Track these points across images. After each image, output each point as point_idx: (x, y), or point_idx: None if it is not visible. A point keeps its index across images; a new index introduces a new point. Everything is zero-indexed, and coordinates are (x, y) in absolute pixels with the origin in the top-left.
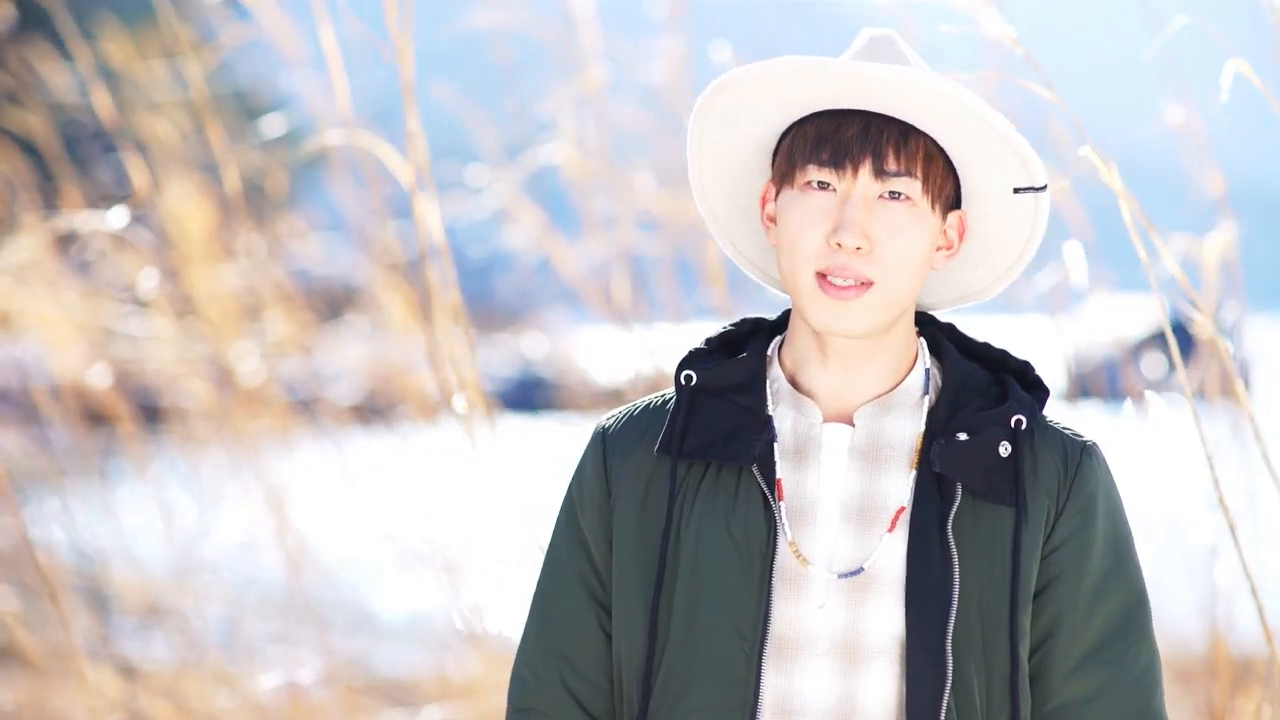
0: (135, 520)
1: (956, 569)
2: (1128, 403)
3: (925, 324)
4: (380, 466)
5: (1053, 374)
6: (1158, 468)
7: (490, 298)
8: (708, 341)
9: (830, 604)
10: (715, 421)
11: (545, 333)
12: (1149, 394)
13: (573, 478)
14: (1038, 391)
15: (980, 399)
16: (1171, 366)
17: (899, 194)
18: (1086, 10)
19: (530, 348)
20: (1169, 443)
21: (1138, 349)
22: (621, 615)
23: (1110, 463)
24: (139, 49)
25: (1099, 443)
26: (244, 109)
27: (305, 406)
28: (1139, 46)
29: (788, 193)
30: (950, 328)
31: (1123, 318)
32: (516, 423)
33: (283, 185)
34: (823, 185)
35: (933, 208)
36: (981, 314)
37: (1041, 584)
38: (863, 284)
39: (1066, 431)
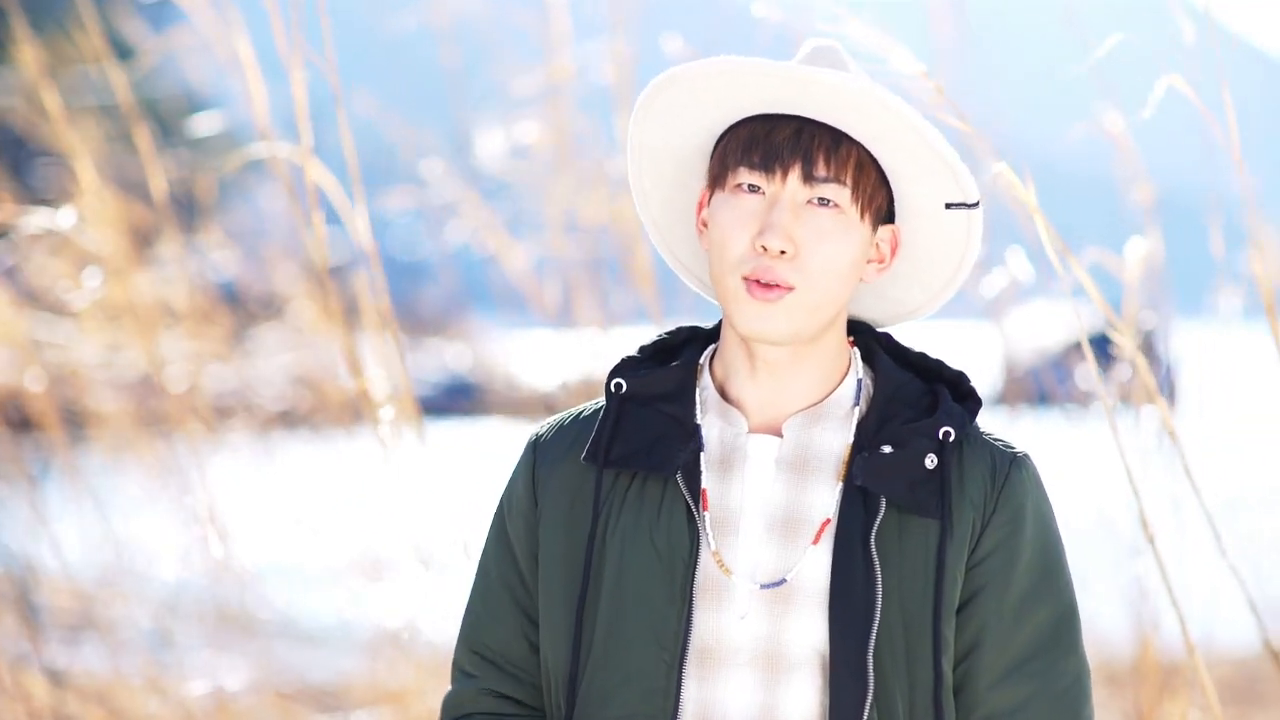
0: (63, 527)
1: (879, 582)
2: (1055, 409)
3: (860, 333)
4: (307, 472)
5: (987, 380)
6: (1084, 473)
7: (418, 303)
8: (641, 349)
9: (752, 615)
10: (642, 430)
11: (473, 338)
12: (1073, 401)
13: (505, 487)
14: (970, 403)
15: (911, 410)
16: (1099, 372)
17: (827, 200)
18: (1023, 21)
19: (458, 353)
20: (1094, 448)
21: (1065, 355)
22: (548, 624)
23: (1041, 474)
24: (68, 53)
25: (1030, 454)
26: (173, 114)
27: (231, 413)
28: (1073, 57)
29: (719, 195)
30: (886, 337)
31: (1052, 324)
32: (445, 428)
33: (210, 191)
34: (753, 188)
35: (862, 217)
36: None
37: (967, 595)
38: (787, 287)
39: (997, 443)
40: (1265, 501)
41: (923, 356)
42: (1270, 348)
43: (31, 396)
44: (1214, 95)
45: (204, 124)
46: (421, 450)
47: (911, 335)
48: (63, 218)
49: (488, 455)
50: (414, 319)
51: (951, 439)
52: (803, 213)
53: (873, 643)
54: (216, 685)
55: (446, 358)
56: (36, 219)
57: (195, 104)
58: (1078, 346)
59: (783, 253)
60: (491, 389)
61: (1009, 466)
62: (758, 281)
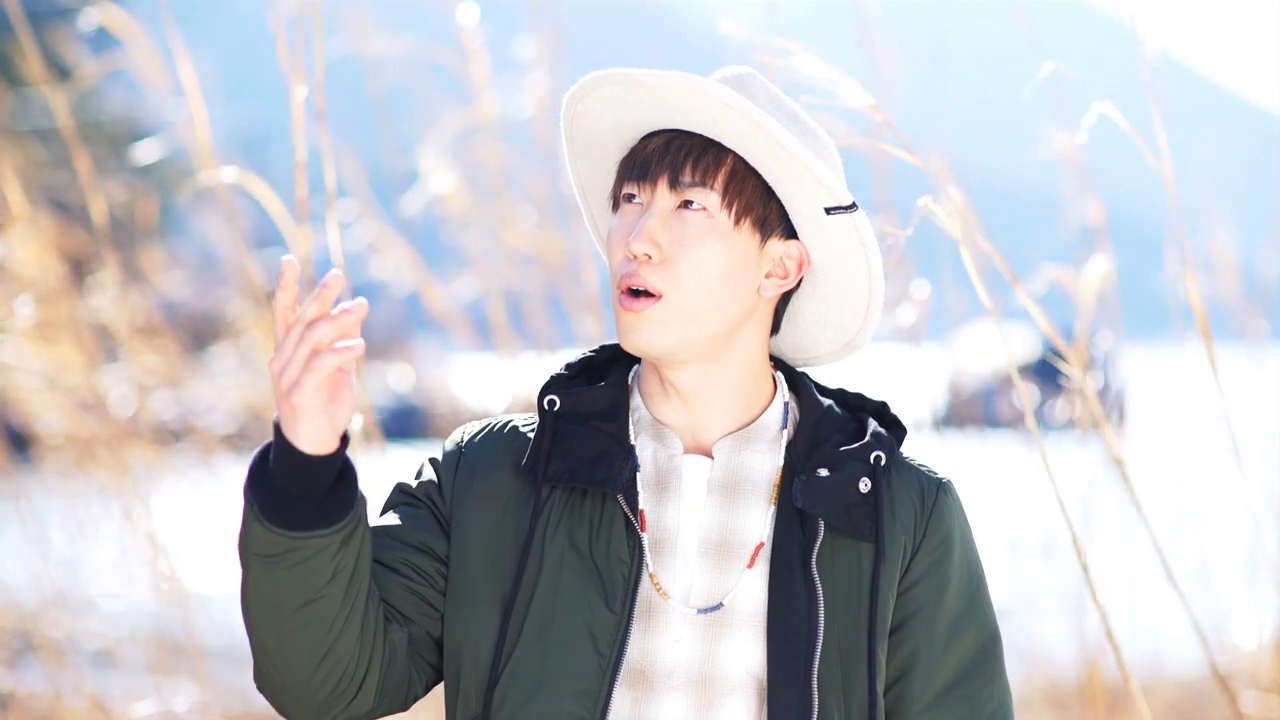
0: (8, 548)
1: (821, 605)
2: (1003, 431)
3: (780, 368)
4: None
5: (933, 402)
6: (1032, 495)
7: (363, 327)
8: (568, 367)
9: (686, 638)
10: (580, 447)
11: (415, 362)
12: (1018, 424)
13: (421, 465)
14: (895, 430)
15: (839, 435)
16: (1045, 396)
17: (693, 204)
18: (986, 46)
19: (401, 378)
20: (1042, 471)
21: (1011, 379)
22: (463, 618)
23: (963, 500)
24: (9, 76)
25: (953, 480)
26: (116, 139)
27: (177, 437)
28: (1020, 81)
29: (615, 214)
30: (804, 375)
31: (998, 347)
32: (391, 452)
33: (151, 215)
34: (630, 199)
35: (736, 223)
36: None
37: (898, 620)
38: (654, 296)
39: (923, 469)
40: (1210, 524)
41: (842, 392)
42: (1209, 371)
43: None
44: (1177, 131)
45: (146, 150)
46: (378, 472)
47: (859, 361)
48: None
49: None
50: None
51: (883, 463)
52: (671, 219)
53: (816, 666)
54: (162, 708)
55: (390, 382)
56: None
57: (137, 130)
58: (1028, 368)
59: (649, 257)
60: (435, 412)
61: (936, 492)
62: (627, 292)
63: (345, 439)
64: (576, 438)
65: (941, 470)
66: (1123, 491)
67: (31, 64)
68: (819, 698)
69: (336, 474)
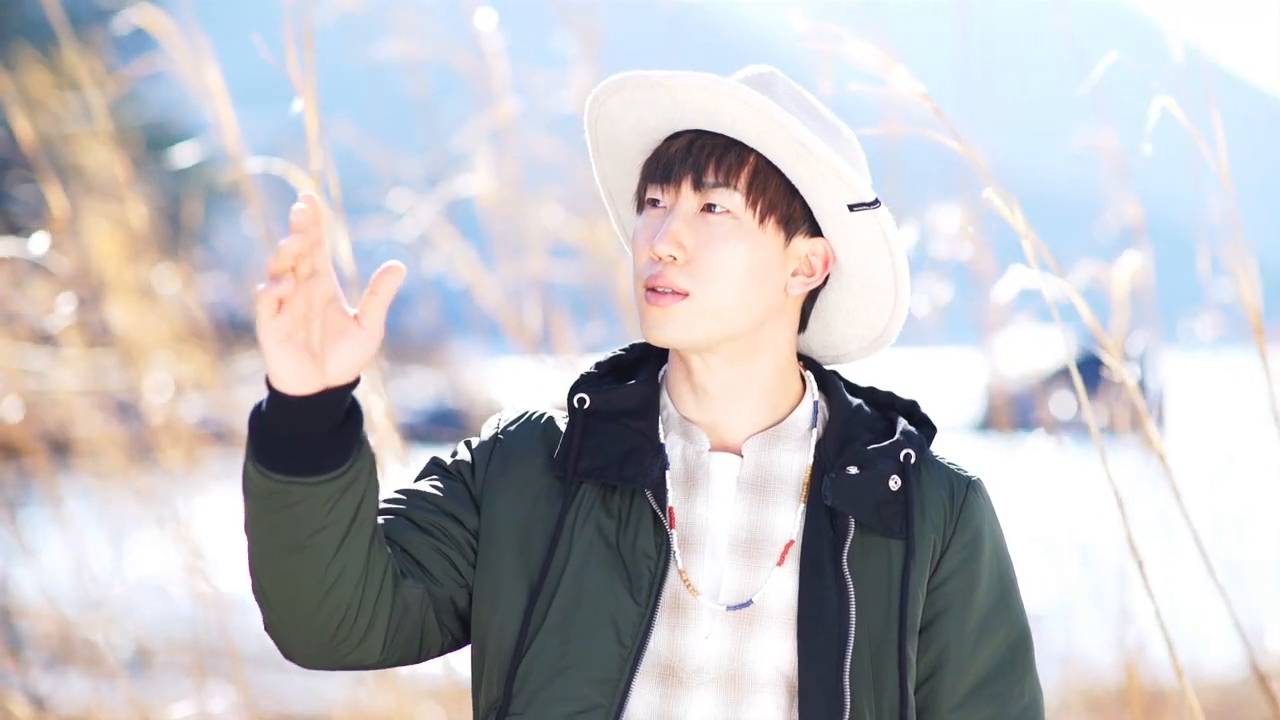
0: (47, 553)
1: (853, 603)
2: (1040, 434)
3: (810, 366)
4: None
5: (972, 406)
6: (1070, 498)
7: (404, 330)
8: (598, 365)
9: (716, 635)
10: (611, 444)
11: (456, 366)
12: (1058, 427)
13: (463, 443)
14: (925, 428)
15: (868, 434)
16: (1086, 396)
17: (717, 206)
18: (1021, 46)
19: (441, 381)
20: (1077, 474)
21: (1052, 381)
22: (490, 597)
23: (993, 498)
24: (53, 78)
25: (983, 479)
26: (157, 139)
27: (218, 439)
28: (1068, 81)
29: (640, 216)
30: (834, 374)
31: (1039, 349)
32: (431, 455)
33: (196, 216)
34: (654, 203)
35: (761, 223)
36: (900, 345)
37: (928, 618)
38: (681, 294)
39: (952, 466)
40: (1248, 526)
41: (872, 389)
42: (1255, 372)
43: (12, 423)
44: (1203, 124)
45: (184, 152)
46: (406, 476)
47: (895, 359)
48: (35, 244)
49: None
50: (398, 347)
51: (913, 461)
52: (695, 220)
53: (848, 664)
54: (200, 711)
55: (430, 385)
56: (32, 242)
57: (175, 132)
58: (1063, 372)
59: (674, 259)
60: (475, 416)
61: (966, 490)
62: (653, 289)
63: (351, 385)
64: (607, 435)
65: (971, 469)
66: (1162, 490)
67: (72, 67)
68: (851, 697)
69: (339, 421)
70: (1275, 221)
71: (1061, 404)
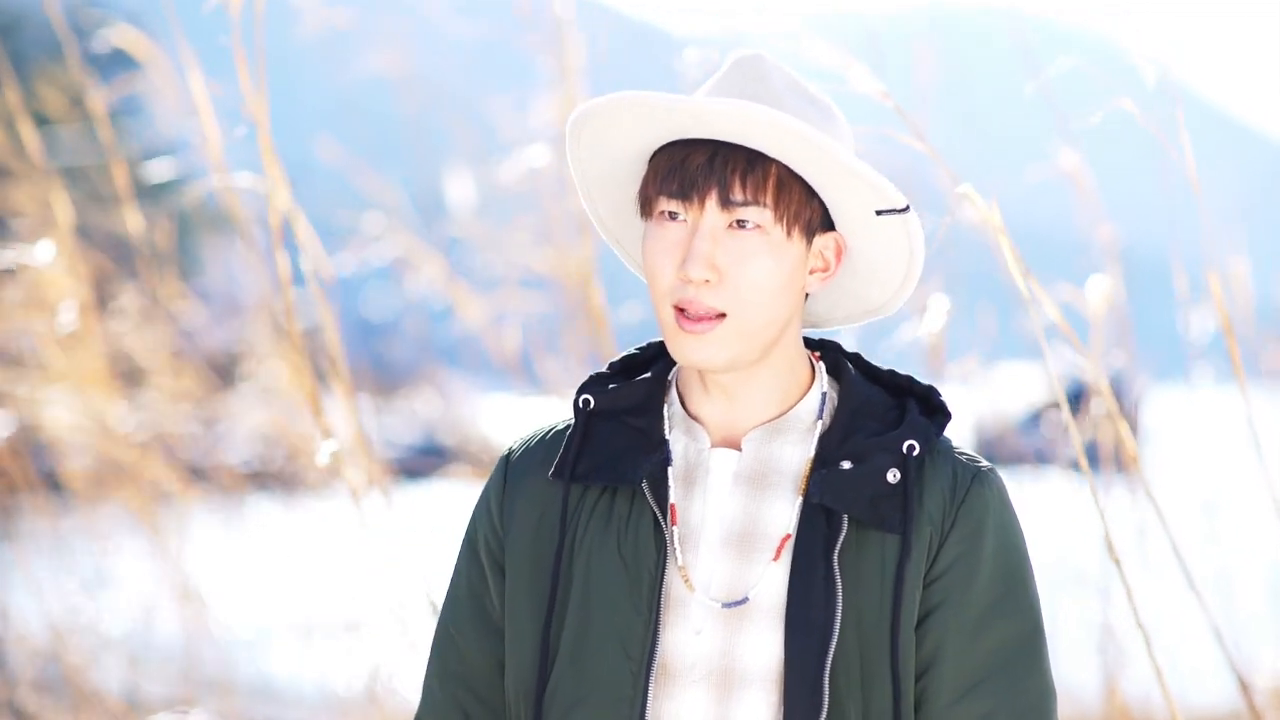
0: (34, 583)
1: (839, 600)
2: (1025, 469)
3: (829, 350)
4: (279, 531)
5: (962, 438)
6: (1056, 526)
7: (389, 363)
8: (611, 365)
9: (707, 631)
10: (608, 444)
11: (443, 399)
12: (1041, 460)
13: (477, 502)
14: (940, 416)
15: (876, 423)
16: (1071, 423)
17: (748, 223)
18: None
19: (428, 414)
20: (1067, 503)
21: (1040, 414)
22: (514, 637)
23: (1006, 490)
24: (25, 102)
25: (995, 470)
26: (132, 163)
27: (202, 472)
28: (1037, 110)
29: (647, 224)
30: (855, 356)
31: (1021, 387)
32: (418, 488)
33: (170, 240)
34: (673, 216)
35: (789, 234)
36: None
37: (924, 611)
38: (717, 316)
39: (962, 457)
40: (1235, 556)
41: (892, 373)
42: (1236, 402)
43: (2, 453)
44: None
45: (158, 169)
46: (391, 511)
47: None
48: (40, 252)
49: (459, 514)
50: (385, 379)
51: (915, 452)
52: (724, 237)
53: (830, 660)
54: None
55: (417, 418)
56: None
57: (155, 152)
58: (1048, 408)
59: (707, 281)
60: (463, 449)
61: (970, 482)
62: (685, 314)
63: None
64: (605, 434)
65: (984, 460)
66: (1148, 521)
67: (52, 96)
68: (833, 693)
69: None
70: (1267, 252)
71: (1052, 433)
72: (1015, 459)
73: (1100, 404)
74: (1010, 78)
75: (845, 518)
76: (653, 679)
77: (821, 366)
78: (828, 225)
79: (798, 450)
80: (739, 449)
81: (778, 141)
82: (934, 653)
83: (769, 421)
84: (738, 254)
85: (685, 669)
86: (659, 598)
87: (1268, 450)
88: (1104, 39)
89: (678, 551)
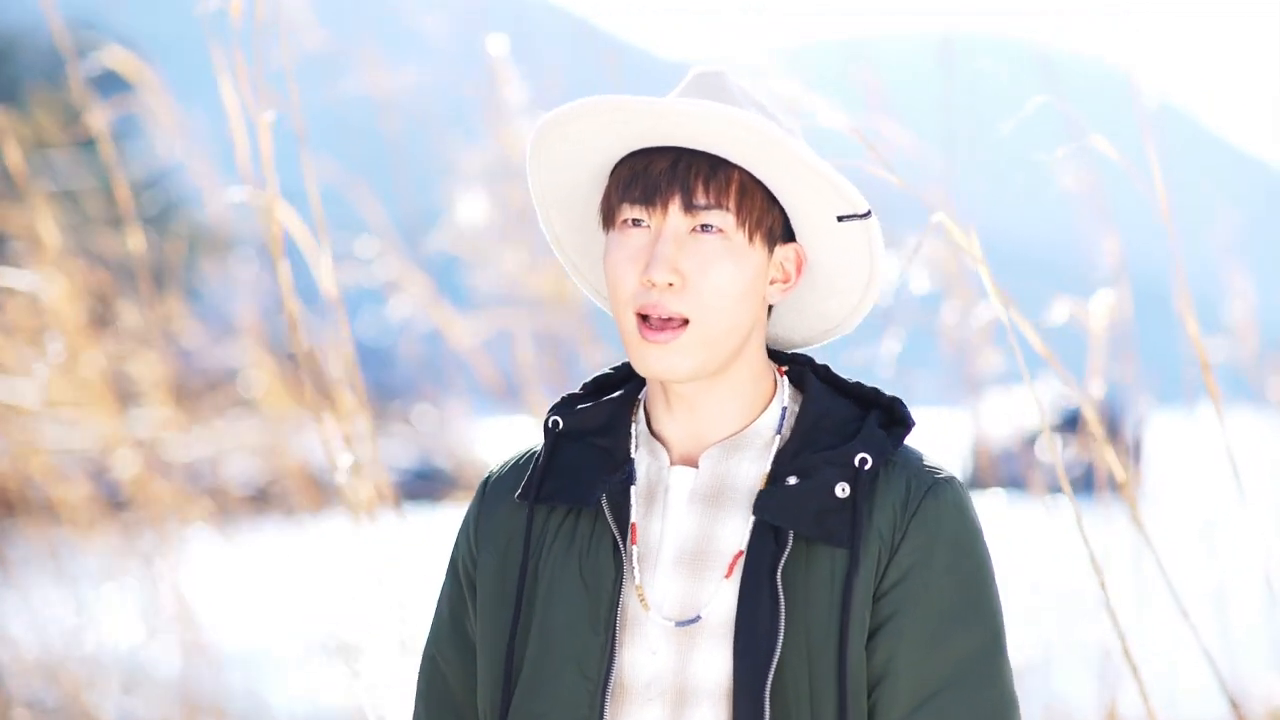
0: (31, 605)
1: (782, 616)
2: (1027, 491)
3: (799, 363)
4: (275, 554)
5: (958, 464)
6: (1053, 554)
7: (386, 388)
8: (584, 386)
9: (662, 650)
10: (571, 465)
11: (439, 423)
12: (1040, 487)
13: (460, 527)
14: (898, 429)
15: (833, 437)
16: (1059, 455)
17: (711, 227)
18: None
19: (424, 439)
20: (1063, 530)
21: (1035, 439)
22: (483, 658)
23: (967, 500)
24: (25, 125)
25: (955, 479)
26: (130, 184)
27: (201, 494)
28: (1043, 140)
29: (610, 234)
30: (824, 368)
31: (1023, 408)
32: (415, 512)
33: (173, 262)
34: (637, 223)
35: (750, 240)
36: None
37: (876, 625)
38: (681, 322)
39: (922, 467)
40: (1227, 581)
41: (858, 385)
42: (1220, 430)
43: None
44: (1184, 185)
45: (151, 198)
46: (399, 533)
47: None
48: (25, 279)
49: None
50: (380, 401)
51: (868, 465)
52: (687, 242)
53: (770, 677)
54: None
55: (413, 443)
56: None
57: (147, 175)
58: (1049, 429)
59: (670, 285)
60: (459, 474)
61: (923, 495)
62: (648, 322)
63: None
64: (571, 455)
65: (944, 469)
66: (1140, 548)
67: (49, 121)
68: (779, 708)
69: None
70: (1266, 279)
71: (1052, 459)
72: (1012, 483)
73: (1093, 428)
74: (1011, 101)
75: (790, 534)
76: (609, 699)
77: (785, 381)
78: (789, 237)
79: (755, 466)
80: (697, 465)
81: (739, 141)
82: (885, 666)
83: (729, 438)
84: (701, 258)
85: (642, 688)
86: (615, 618)
87: (1261, 475)
88: (1103, 65)
89: (636, 571)
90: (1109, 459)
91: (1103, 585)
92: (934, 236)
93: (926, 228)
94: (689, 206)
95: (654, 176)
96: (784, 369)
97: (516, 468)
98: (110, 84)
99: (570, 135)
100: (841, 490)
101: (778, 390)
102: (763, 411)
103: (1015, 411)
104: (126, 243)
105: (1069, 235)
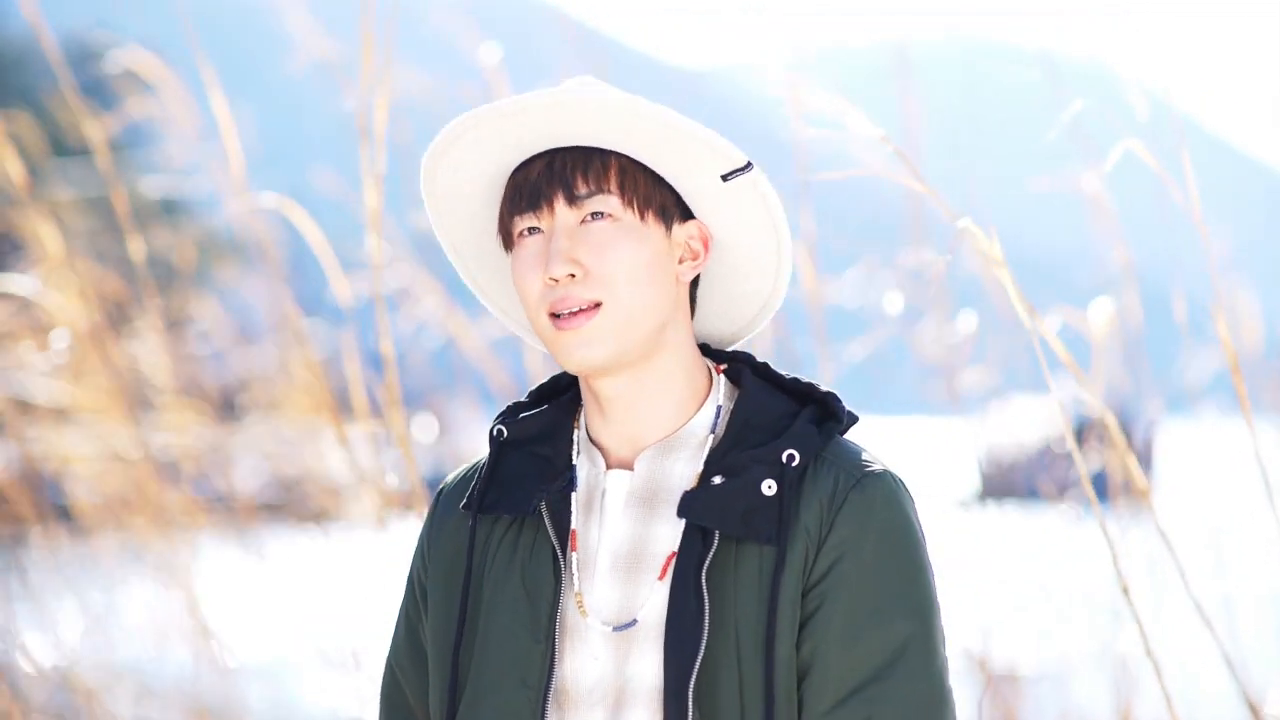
0: (45, 612)
1: (706, 615)
2: (1040, 501)
3: (738, 360)
4: (290, 561)
5: (967, 477)
6: (1071, 562)
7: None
8: (530, 394)
9: (602, 655)
10: (514, 474)
11: (451, 432)
12: (1054, 494)
13: (418, 540)
14: (830, 424)
15: (764, 434)
16: (1081, 461)
17: (600, 214)
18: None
19: (437, 446)
20: (1081, 533)
21: (1049, 448)
22: (432, 669)
23: (901, 491)
24: (43, 125)
25: (888, 472)
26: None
27: (218, 501)
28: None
29: (513, 254)
30: (764, 366)
31: (1037, 417)
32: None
33: (188, 262)
34: (532, 231)
35: (642, 218)
36: (897, 415)
37: (804, 618)
38: (592, 306)
39: (851, 462)
40: (1243, 590)
41: (795, 380)
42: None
43: (11, 484)
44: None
45: (158, 184)
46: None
47: (891, 430)
48: (25, 283)
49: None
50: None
51: (795, 462)
52: (578, 234)
53: (694, 677)
54: None
55: (424, 449)
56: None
57: (163, 178)
58: (1059, 440)
59: (572, 276)
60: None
61: (850, 489)
62: (557, 316)
63: None
64: (512, 464)
65: (877, 463)
66: (1157, 551)
67: (66, 124)
68: (708, 707)
69: None
70: (1270, 284)
71: (1061, 468)
72: (1028, 490)
73: (1106, 435)
74: (1020, 109)
75: (716, 534)
76: (550, 707)
77: (721, 379)
78: (688, 215)
79: (689, 467)
80: (634, 469)
81: (605, 125)
82: (812, 657)
83: (664, 439)
84: (595, 244)
85: (584, 694)
86: (555, 626)
87: (1273, 481)
88: (1108, 71)
89: (576, 578)
90: (1129, 466)
91: (1126, 592)
92: (959, 244)
93: (953, 235)
94: (572, 199)
95: (534, 180)
96: (722, 367)
97: (464, 479)
98: (128, 85)
99: (450, 166)
100: (768, 488)
101: (713, 389)
102: (698, 411)
103: (1024, 421)
104: (141, 247)
105: (1078, 241)
